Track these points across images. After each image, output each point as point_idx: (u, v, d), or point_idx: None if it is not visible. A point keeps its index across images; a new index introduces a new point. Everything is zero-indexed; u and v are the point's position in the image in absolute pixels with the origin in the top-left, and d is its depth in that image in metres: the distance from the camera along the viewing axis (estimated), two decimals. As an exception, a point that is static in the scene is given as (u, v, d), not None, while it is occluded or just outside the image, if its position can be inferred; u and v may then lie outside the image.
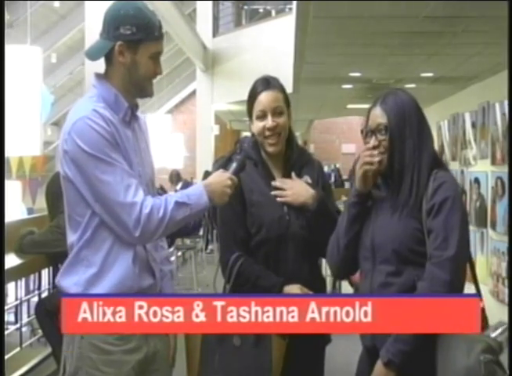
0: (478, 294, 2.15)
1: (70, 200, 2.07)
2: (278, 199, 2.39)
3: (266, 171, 2.44)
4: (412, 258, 2.11)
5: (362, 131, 2.24)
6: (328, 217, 2.39)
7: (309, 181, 2.45)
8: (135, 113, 2.18)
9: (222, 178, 2.14)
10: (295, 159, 2.46)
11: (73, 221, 2.08)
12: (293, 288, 2.30)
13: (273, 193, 2.41)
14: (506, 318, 4.29)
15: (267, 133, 2.40)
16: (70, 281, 2.07)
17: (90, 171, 1.97)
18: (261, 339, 2.26)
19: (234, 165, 2.23)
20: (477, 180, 7.29)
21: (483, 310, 2.11)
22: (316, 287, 2.41)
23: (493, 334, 2.04)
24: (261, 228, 2.37)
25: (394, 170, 2.17)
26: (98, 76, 2.13)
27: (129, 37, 2.04)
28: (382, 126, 2.16)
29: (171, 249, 8.47)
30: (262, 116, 2.40)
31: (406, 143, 2.14)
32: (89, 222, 2.04)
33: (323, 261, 6.41)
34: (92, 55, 2.12)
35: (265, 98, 2.39)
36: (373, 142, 2.18)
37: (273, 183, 2.42)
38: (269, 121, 2.38)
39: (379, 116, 2.18)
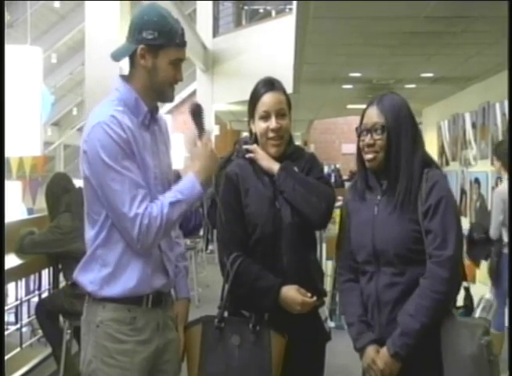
0: (464, 275, 2.25)
1: (88, 198, 2.15)
2: (247, 155, 2.44)
3: (263, 171, 2.44)
4: (413, 258, 2.17)
5: (356, 129, 2.28)
6: (299, 180, 2.39)
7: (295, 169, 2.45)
8: (155, 116, 2.24)
9: (204, 152, 2.16)
10: (289, 156, 2.47)
11: (90, 218, 2.16)
12: (291, 290, 2.30)
13: (245, 146, 2.46)
14: (506, 318, 4.30)
15: (270, 134, 2.40)
16: (86, 278, 2.16)
17: (102, 176, 2.05)
18: (260, 337, 2.27)
19: (194, 122, 2.21)
20: (477, 180, 7.30)
21: (467, 289, 2.25)
22: (313, 283, 2.41)
23: (479, 311, 2.18)
24: (256, 227, 2.38)
25: (390, 169, 2.22)
26: (122, 78, 2.20)
27: (151, 42, 2.10)
28: (378, 125, 2.22)
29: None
30: (266, 117, 2.40)
31: (402, 143, 2.21)
32: (104, 222, 2.11)
33: (323, 260, 6.40)
34: (116, 56, 2.18)
35: (269, 99, 2.41)
36: (368, 140, 2.22)
37: (246, 146, 2.47)
38: (273, 123, 2.39)
39: (375, 115, 2.23)
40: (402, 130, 2.21)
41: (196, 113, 2.21)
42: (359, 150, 2.29)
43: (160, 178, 2.19)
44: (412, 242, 2.17)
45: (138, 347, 2.13)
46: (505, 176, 4.83)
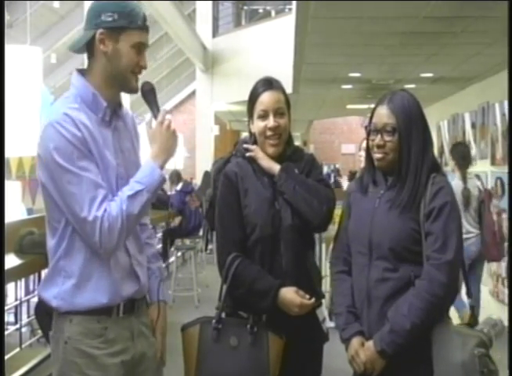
0: (468, 292, 2.26)
1: (47, 205, 2.02)
2: (247, 154, 2.43)
3: (263, 170, 2.43)
4: (408, 257, 2.15)
5: (366, 128, 2.26)
6: (300, 182, 2.38)
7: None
8: (118, 112, 2.10)
9: (162, 135, 2.01)
10: (288, 157, 2.46)
11: (50, 225, 2.04)
12: (289, 292, 2.29)
13: (245, 145, 2.45)
14: (506, 318, 4.31)
15: (268, 133, 2.40)
16: (50, 293, 2.04)
17: (58, 180, 1.91)
18: (258, 339, 2.26)
19: (150, 109, 2.09)
20: (477, 180, 7.28)
21: (472, 307, 2.23)
22: (311, 285, 2.41)
23: (480, 326, 2.14)
24: (255, 228, 2.37)
25: (401, 170, 2.20)
26: (78, 72, 2.05)
27: (111, 24, 1.95)
28: (389, 127, 2.18)
29: (172, 249, 8.47)
30: (264, 115, 2.40)
31: (413, 145, 2.18)
32: (64, 230, 1.99)
33: (323, 260, 6.41)
34: (73, 45, 2.03)
35: (267, 98, 2.40)
36: (378, 140, 2.20)
37: (246, 145, 2.45)
38: (271, 121, 2.38)
39: (386, 116, 2.19)
40: (413, 132, 2.18)
41: (147, 91, 2.09)
42: (368, 148, 2.28)
43: (125, 177, 2.03)
44: (409, 240, 2.15)
45: (112, 359, 2.00)
46: (456, 175, 5.30)
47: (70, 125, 1.91)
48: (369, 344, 2.16)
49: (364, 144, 5.35)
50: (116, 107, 2.08)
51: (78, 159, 1.90)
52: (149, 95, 2.09)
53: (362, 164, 4.96)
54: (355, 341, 2.20)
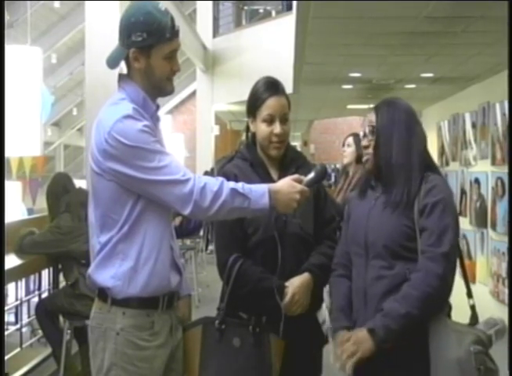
0: (469, 292, 2.24)
1: (107, 200, 2.10)
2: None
3: (264, 171, 2.43)
4: (402, 254, 2.17)
5: (364, 135, 2.32)
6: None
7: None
8: (158, 113, 2.25)
9: (292, 190, 2.13)
10: (290, 159, 2.47)
11: (109, 220, 2.10)
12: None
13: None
14: (506, 318, 4.31)
15: (274, 139, 2.40)
16: (107, 273, 2.10)
17: (146, 163, 2.02)
18: (260, 340, 2.27)
19: (311, 176, 2.19)
20: (477, 180, 7.29)
21: (473, 307, 2.21)
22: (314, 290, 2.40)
23: (484, 329, 2.12)
24: (258, 229, 2.36)
25: (381, 170, 2.24)
26: (123, 77, 2.18)
27: (141, 44, 2.08)
28: (371, 127, 2.26)
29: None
30: (270, 120, 2.39)
31: (393, 145, 2.21)
32: (128, 216, 2.08)
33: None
34: (111, 63, 2.16)
35: (275, 103, 2.39)
36: (364, 142, 2.28)
37: None
38: (278, 128, 2.39)
39: (371, 118, 2.27)
40: (393, 132, 2.22)
41: (321, 176, 2.22)
42: None
43: None
44: (403, 237, 2.17)
45: (157, 351, 2.13)
46: None
47: (141, 117, 2.07)
48: (361, 328, 2.16)
49: (348, 140, 5.43)
50: (157, 109, 2.22)
51: (155, 143, 2.06)
52: (319, 178, 2.23)
53: (346, 160, 5.03)
54: (340, 335, 2.22)
